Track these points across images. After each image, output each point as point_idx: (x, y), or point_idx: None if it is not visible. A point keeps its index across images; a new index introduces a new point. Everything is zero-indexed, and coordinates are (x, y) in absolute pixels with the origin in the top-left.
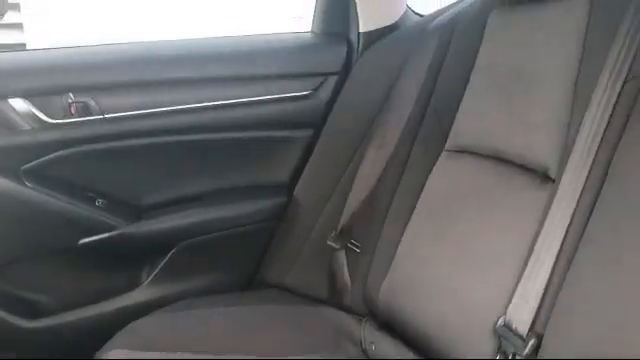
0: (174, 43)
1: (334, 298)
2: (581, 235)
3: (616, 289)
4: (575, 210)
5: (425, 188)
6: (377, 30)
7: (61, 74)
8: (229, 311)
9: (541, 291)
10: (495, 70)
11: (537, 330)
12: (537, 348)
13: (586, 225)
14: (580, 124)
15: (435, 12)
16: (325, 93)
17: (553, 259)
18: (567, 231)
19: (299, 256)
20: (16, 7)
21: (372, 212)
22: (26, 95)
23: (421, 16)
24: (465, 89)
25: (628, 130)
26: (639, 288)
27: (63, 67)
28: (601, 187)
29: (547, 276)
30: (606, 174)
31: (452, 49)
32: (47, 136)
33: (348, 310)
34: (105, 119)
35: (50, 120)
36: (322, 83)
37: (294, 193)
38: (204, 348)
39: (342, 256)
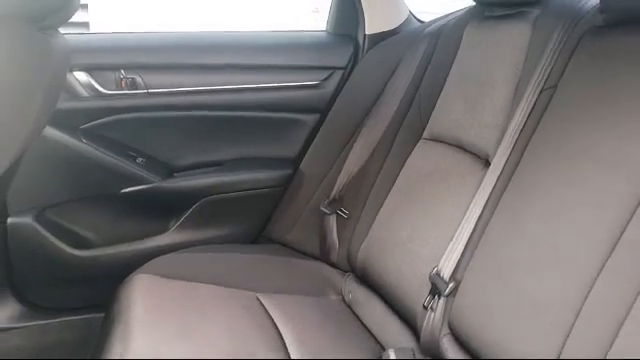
0: (208, 34)
1: (324, 255)
2: (496, 205)
3: (518, 247)
4: (494, 187)
5: (403, 169)
6: (380, 33)
7: (116, 54)
8: (237, 257)
9: (462, 248)
10: (464, 76)
11: (456, 277)
12: (455, 289)
13: (500, 198)
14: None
15: (431, 20)
16: (332, 84)
17: (474, 223)
18: (487, 202)
19: (299, 219)
20: None
21: (360, 186)
22: (87, 69)
23: (422, 22)
24: (442, 90)
25: (538, 130)
26: (536, 246)
27: (118, 49)
28: (514, 172)
29: (468, 236)
30: (518, 162)
31: (436, 55)
32: (101, 103)
33: (334, 265)
34: (148, 93)
35: (104, 91)
36: (330, 75)
37: (299, 166)
38: (213, 281)
39: (332, 221)
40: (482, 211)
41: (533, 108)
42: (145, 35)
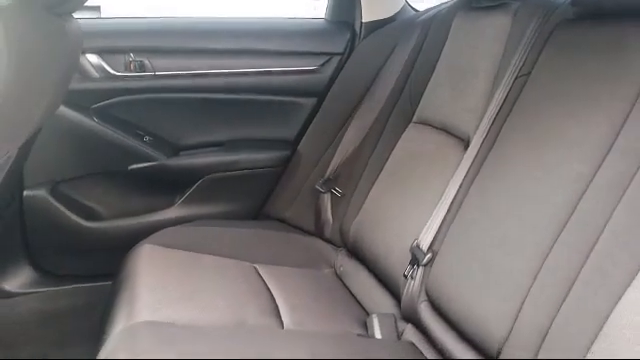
0: (212, 20)
1: (318, 231)
2: (471, 184)
3: (488, 222)
4: (470, 167)
5: (393, 151)
6: (376, 21)
7: (125, 38)
8: (238, 231)
9: (439, 223)
10: (451, 64)
11: (433, 249)
12: (432, 260)
13: (475, 177)
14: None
15: (426, 9)
16: (329, 69)
17: (451, 200)
18: (462, 181)
19: (296, 197)
20: None
21: (353, 167)
22: (98, 52)
23: (417, 11)
24: (431, 76)
25: (512, 114)
26: (503, 222)
27: (127, 33)
28: (488, 153)
29: (445, 212)
30: (493, 144)
31: (427, 43)
32: (111, 84)
33: (328, 241)
34: (155, 75)
35: (114, 72)
36: (327, 61)
37: (297, 148)
38: (214, 252)
39: (327, 199)
40: (458, 189)
41: (508, 94)
42: (152, 20)
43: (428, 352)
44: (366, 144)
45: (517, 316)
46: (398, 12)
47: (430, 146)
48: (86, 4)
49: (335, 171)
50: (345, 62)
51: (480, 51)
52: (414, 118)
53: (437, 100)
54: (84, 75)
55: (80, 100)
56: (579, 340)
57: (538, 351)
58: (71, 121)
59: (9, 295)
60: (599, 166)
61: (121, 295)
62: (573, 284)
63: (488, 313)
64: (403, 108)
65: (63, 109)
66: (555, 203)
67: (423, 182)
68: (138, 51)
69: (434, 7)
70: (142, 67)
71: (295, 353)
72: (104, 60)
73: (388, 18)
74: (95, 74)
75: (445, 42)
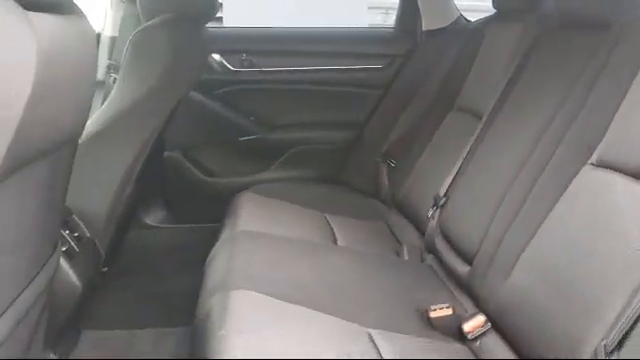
0: (304, 29)
1: (376, 193)
2: (477, 149)
3: (485, 174)
4: (477, 137)
5: (436, 132)
6: (434, 30)
7: (240, 42)
8: (314, 190)
9: (451, 180)
10: (483, 64)
11: (448, 195)
12: (446, 203)
13: (480, 144)
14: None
15: (476, 20)
16: (393, 68)
17: (460, 163)
18: (471, 148)
19: (360, 167)
20: None
21: (403, 145)
22: (220, 52)
23: (468, 21)
24: (469, 74)
25: (508, 100)
26: (493, 172)
27: (241, 38)
28: (490, 127)
29: (456, 172)
30: (494, 121)
31: (468, 47)
32: (229, 77)
33: (383, 202)
34: (261, 71)
35: (231, 68)
36: (392, 61)
37: (364, 129)
38: (294, 202)
39: (383, 168)
40: (468, 152)
41: (508, 86)
42: (260, 29)
43: (442, 274)
44: (414, 128)
45: (488, 230)
46: (452, 22)
47: (461, 127)
48: None
49: (391, 147)
50: (406, 63)
51: (500, 53)
52: (454, 107)
53: (471, 92)
54: (209, 69)
55: (206, 87)
56: (517, 242)
57: (496, 250)
58: (199, 103)
59: (149, 227)
60: (563, 135)
61: (225, 232)
62: (523, 205)
63: (474, 234)
64: (444, 100)
65: (194, 94)
66: (531, 162)
67: (451, 152)
68: (249, 52)
69: (481, 19)
70: (252, 64)
71: (344, 261)
72: (224, 58)
73: (443, 27)
74: (218, 68)
75: (479, 49)
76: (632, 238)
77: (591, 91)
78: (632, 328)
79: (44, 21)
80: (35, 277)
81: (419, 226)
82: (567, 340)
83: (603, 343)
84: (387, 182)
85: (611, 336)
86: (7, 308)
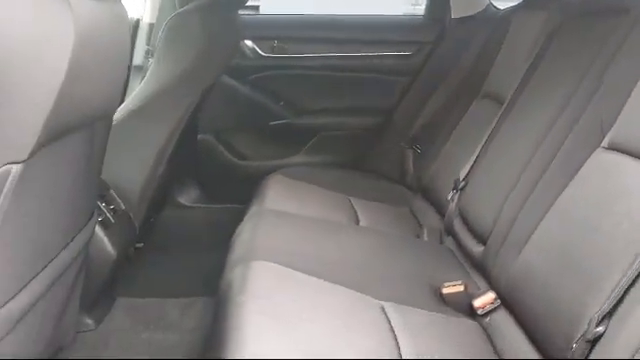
0: (335, 16)
1: (401, 179)
2: (497, 134)
3: (501, 158)
4: (498, 121)
5: (459, 122)
6: (463, 17)
7: (271, 29)
8: (340, 174)
9: (471, 164)
10: (509, 51)
11: (468, 178)
12: (465, 186)
13: (499, 129)
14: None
15: (505, 8)
16: (422, 55)
17: (480, 146)
18: (491, 132)
19: (386, 152)
20: None
21: (429, 132)
22: (252, 39)
23: (498, 10)
24: (495, 60)
25: (528, 87)
26: (509, 156)
27: (273, 25)
28: (509, 114)
29: (477, 155)
30: (515, 103)
31: (495, 35)
32: (260, 62)
33: (408, 187)
34: (292, 57)
35: (263, 54)
36: (420, 48)
37: (392, 116)
38: (320, 185)
39: (409, 154)
40: (488, 137)
41: (527, 73)
42: (291, 16)
43: (459, 255)
44: (442, 114)
45: (502, 211)
46: (482, 10)
47: (485, 114)
48: (248, 3)
49: (416, 134)
50: (435, 50)
51: (524, 41)
52: (480, 94)
53: (498, 81)
54: (242, 55)
55: (238, 73)
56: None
57: (509, 230)
58: (231, 87)
59: (183, 207)
60: (576, 121)
61: (251, 211)
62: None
63: (488, 213)
64: (470, 90)
65: (226, 79)
66: (545, 145)
67: (473, 138)
68: (280, 39)
69: (511, 6)
70: (282, 50)
71: (363, 240)
72: (256, 44)
73: (472, 15)
74: (250, 55)
75: (506, 35)
76: (636, 217)
77: (605, 75)
78: (622, 298)
79: (82, 4)
80: (71, 241)
81: (440, 210)
82: (569, 314)
83: (597, 315)
84: (412, 168)
85: (604, 307)
86: (44, 267)
